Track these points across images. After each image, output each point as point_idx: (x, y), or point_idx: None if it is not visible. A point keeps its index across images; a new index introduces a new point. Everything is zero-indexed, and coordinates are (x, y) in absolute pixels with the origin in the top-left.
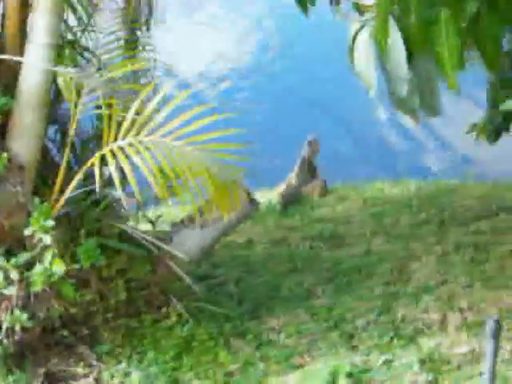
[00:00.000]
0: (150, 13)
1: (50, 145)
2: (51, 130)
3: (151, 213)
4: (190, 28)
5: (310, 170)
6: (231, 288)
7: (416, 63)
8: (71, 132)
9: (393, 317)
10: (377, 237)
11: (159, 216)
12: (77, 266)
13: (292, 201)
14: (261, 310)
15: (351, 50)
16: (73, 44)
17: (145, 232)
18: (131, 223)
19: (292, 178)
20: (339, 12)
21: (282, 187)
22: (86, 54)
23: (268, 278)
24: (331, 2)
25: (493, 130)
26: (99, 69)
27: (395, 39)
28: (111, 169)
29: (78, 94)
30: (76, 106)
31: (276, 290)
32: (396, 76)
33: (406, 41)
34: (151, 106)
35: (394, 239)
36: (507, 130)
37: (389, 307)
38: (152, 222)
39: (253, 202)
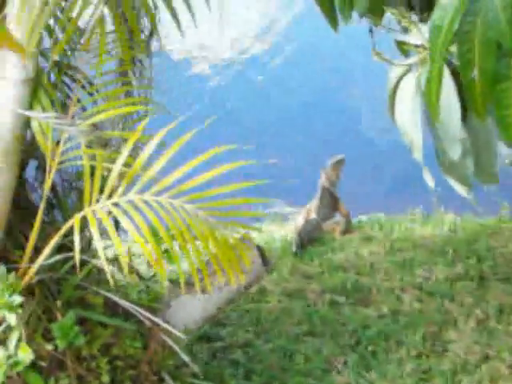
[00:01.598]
0: (151, 34)
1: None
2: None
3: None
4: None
5: (331, 201)
6: (238, 355)
7: (471, 121)
8: (46, 187)
9: None
10: (407, 292)
11: (153, 275)
12: (50, 348)
13: (310, 239)
14: None
15: (392, 100)
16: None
17: (136, 299)
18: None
19: (310, 210)
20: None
21: (299, 220)
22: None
23: (281, 342)
24: (370, 31)
25: None
26: (94, 102)
27: (448, 92)
28: (94, 235)
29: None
30: (53, 157)
31: (290, 358)
32: (447, 136)
33: (461, 94)
34: (144, 155)
35: (426, 297)
36: None
37: None
38: (147, 286)
39: (265, 261)
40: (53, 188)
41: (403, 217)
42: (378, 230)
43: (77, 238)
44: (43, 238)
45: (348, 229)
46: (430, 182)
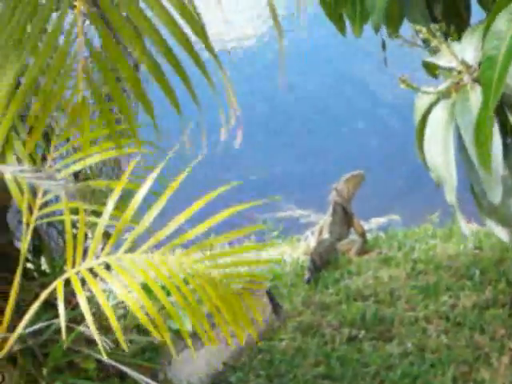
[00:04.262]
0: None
1: None
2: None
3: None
4: None
5: (344, 218)
6: None
7: None
8: (24, 246)
9: None
10: (432, 324)
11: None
12: None
13: (324, 261)
14: None
15: (419, 134)
16: None
17: (134, 360)
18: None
19: (323, 229)
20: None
21: (311, 242)
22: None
23: None
24: (383, 46)
25: None
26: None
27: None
28: (79, 301)
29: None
30: (31, 212)
31: None
32: (488, 177)
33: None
34: (131, 208)
35: (453, 329)
36: None
37: None
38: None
39: (277, 311)
40: (37, 233)
41: (422, 230)
42: (396, 249)
43: (61, 305)
44: (26, 292)
45: (364, 249)
46: (466, 230)
